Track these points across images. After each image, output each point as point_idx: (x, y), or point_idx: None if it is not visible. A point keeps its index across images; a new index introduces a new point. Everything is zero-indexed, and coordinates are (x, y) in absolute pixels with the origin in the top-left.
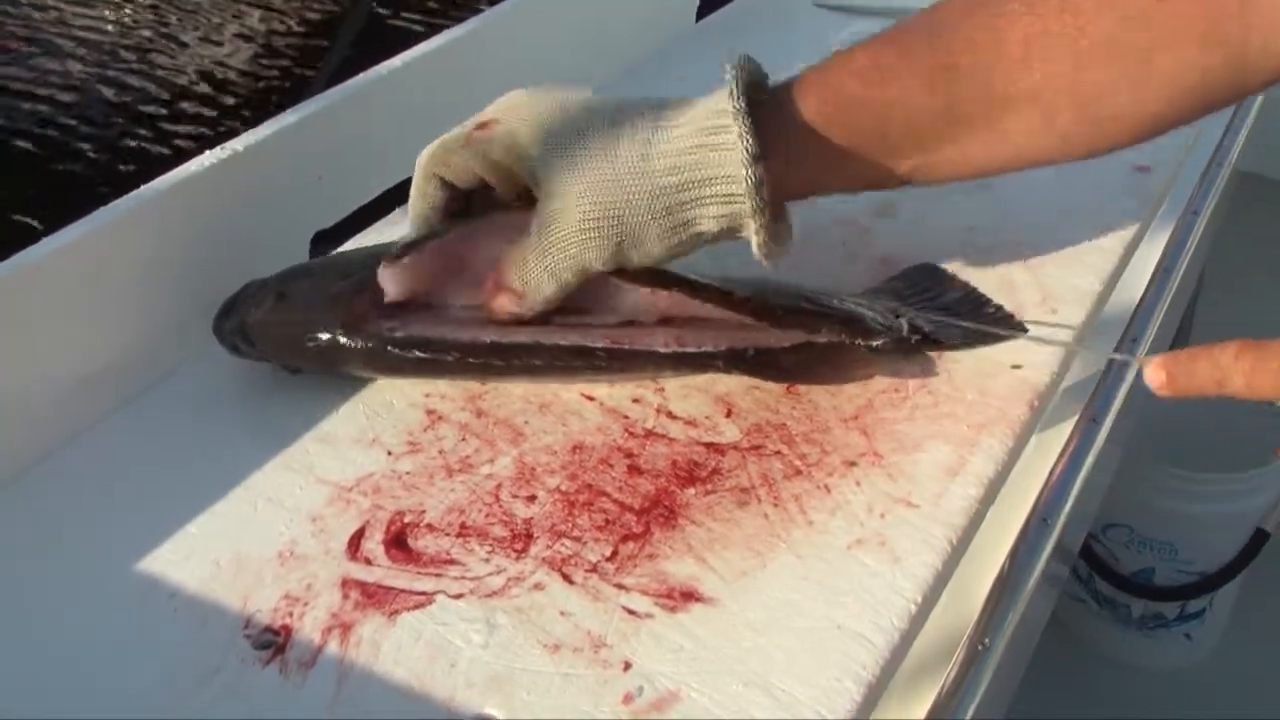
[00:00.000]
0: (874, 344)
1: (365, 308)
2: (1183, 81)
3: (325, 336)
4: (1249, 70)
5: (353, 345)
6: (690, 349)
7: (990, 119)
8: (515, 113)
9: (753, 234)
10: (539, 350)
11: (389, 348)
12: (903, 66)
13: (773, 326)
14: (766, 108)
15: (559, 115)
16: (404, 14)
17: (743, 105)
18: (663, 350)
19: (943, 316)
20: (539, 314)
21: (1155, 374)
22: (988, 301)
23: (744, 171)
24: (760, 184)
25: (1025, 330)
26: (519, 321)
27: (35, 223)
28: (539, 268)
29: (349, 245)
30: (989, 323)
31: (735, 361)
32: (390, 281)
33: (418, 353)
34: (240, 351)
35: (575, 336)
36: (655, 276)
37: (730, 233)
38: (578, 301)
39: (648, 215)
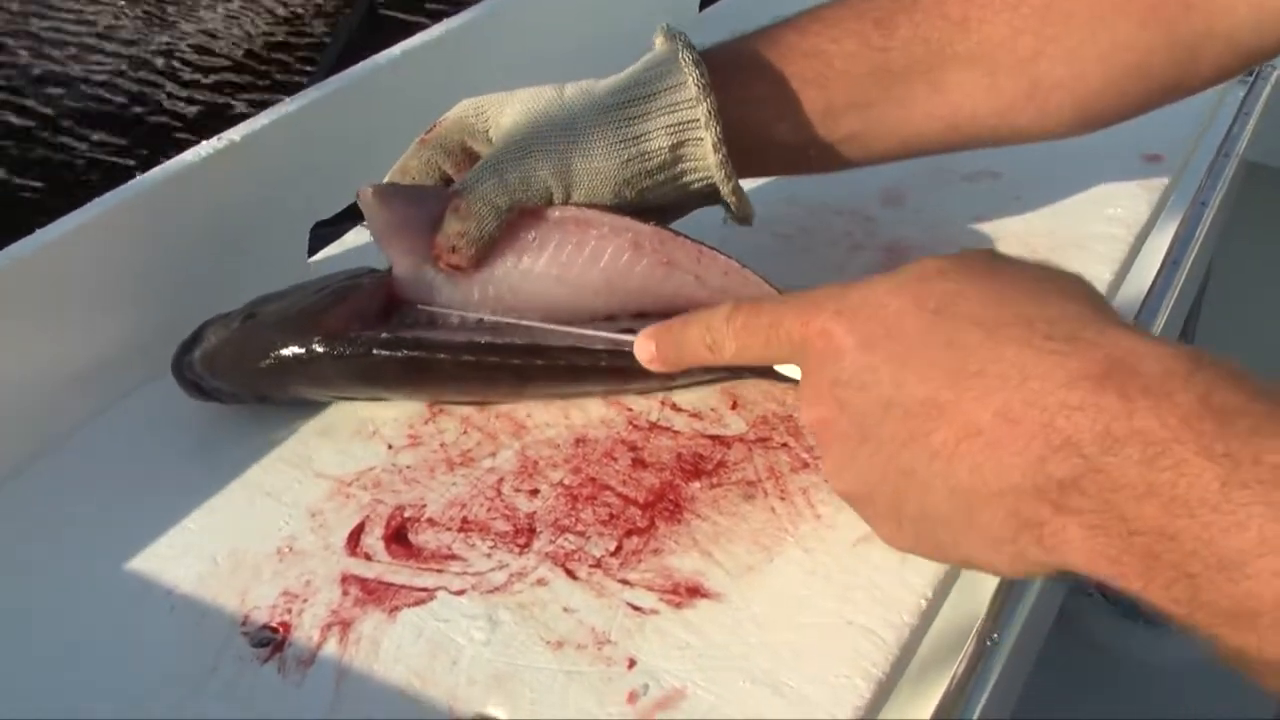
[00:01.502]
0: None
1: (345, 316)
2: (1122, 58)
3: (303, 350)
4: (1193, 55)
5: (334, 354)
6: None
7: (929, 76)
8: (461, 107)
9: (710, 149)
10: (537, 350)
11: (375, 350)
12: (842, 20)
13: None
14: (709, 51)
15: (504, 96)
16: (406, 3)
17: (684, 39)
18: None
19: None
20: (483, 253)
21: (643, 346)
22: None
23: (688, 72)
24: (707, 87)
25: None
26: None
27: (33, 214)
28: (489, 179)
29: (349, 236)
30: None
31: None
32: (373, 200)
33: (406, 351)
34: (203, 389)
35: (574, 339)
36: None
37: (682, 158)
38: (569, 313)
39: (594, 128)
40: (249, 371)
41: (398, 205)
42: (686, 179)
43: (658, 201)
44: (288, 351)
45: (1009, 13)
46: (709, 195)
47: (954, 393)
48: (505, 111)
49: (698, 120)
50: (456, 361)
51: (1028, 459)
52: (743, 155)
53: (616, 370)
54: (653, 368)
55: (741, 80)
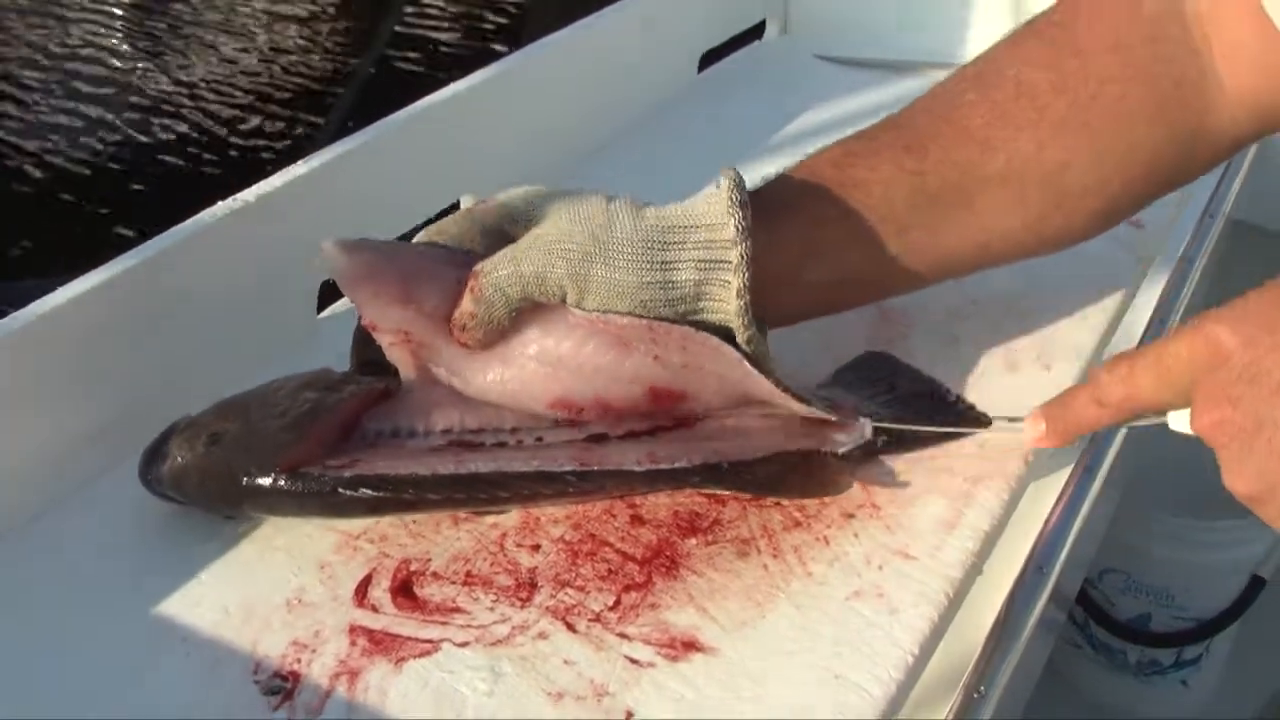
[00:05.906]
0: (840, 451)
1: (309, 448)
2: (1137, 157)
3: (266, 484)
4: (1190, 149)
5: (296, 491)
6: (664, 465)
7: (961, 197)
8: (515, 192)
9: (734, 293)
10: (502, 480)
11: (338, 490)
12: (872, 151)
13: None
14: (753, 193)
15: (559, 192)
16: (414, 63)
17: (737, 180)
18: (636, 469)
19: (905, 414)
20: (492, 337)
21: (1032, 427)
22: (948, 393)
23: (731, 213)
24: (746, 230)
25: (989, 423)
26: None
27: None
28: (505, 268)
29: None
30: (952, 416)
31: (710, 476)
32: (335, 250)
33: (368, 491)
34: (172, 500)
35: (539, 462)
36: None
37: (704, 295)
38: (528, 406)
39: (627, 245)
40: (214, 498)
41: (359, 253)
42: (704, 317)
43: None
44: (249, 485)
45: (1030, 129)
46: (724, 335)
47: None
48: (551, 206)
49: (729, 263)
50: (421, 499)
51: None
52: (774, 289)
53: (584, 491)
54: (1041, 445)
55: (779, 226)
